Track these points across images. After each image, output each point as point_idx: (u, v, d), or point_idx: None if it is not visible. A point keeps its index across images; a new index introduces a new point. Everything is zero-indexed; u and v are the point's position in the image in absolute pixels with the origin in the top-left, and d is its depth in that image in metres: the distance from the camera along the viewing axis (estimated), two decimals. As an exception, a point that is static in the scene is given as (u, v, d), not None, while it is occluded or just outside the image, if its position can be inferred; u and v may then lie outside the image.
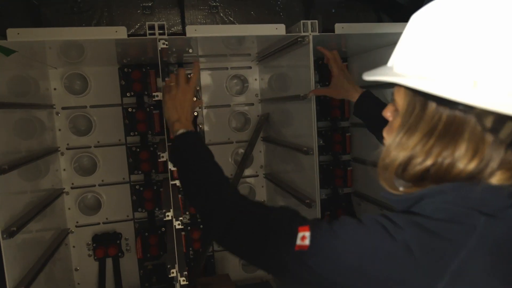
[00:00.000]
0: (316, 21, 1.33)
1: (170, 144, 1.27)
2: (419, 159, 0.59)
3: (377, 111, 0.83)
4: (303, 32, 1.32)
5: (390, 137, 0.65)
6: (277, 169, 1.97)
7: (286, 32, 1.34)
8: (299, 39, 1.34)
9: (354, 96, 1.29)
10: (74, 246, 1.92)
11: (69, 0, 1.74)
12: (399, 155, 0.61)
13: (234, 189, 0.89)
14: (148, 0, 1.85)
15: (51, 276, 1.62)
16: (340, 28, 1.35)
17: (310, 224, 0.64)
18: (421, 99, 0.59)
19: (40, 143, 1.67)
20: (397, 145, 0.62)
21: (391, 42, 1.57)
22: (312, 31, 1.32)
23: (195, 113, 1.93)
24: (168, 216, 1.26)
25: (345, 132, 2.07)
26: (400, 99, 0.64)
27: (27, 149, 1.50)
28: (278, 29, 1.31)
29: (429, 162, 0.59)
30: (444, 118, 0.57)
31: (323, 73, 2.00)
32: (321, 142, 1.38)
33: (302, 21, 1.31)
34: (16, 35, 1.13)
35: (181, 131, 1.03)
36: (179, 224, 1.26)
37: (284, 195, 1.84)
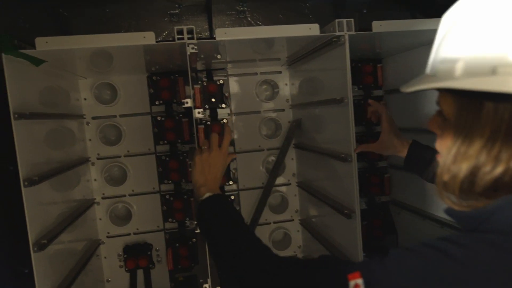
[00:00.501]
0: (352, 19, 1.25)
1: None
2: (487, 168, 0.51)
3: (430, 160, 0.74)
4: (338, 31, 1.24)
5: (444, 150, 0.56)
6: (310, 177, 1.89)
7: (320, 33, 1.27)
8: (334, 39, 1.27)
9: (403, 151, 1.25)
10: (105, 257, 1.90)
11: (98, 10, 1.75)
12: (462, 168, 0.53)
13: (268, 253, 0.82)
14: (175, 7, 1.83)
15: (83, 288, 1.60)
16: (378, 26, 1.27)
17: (359, 270, 0.56)
18: (474, 101, 0.51)
19: (71, 154, 1.66)
20: (455, 157, 0.54)
21: (429, 40, 1.47)
22: (347, 30, 1.24)
23: (225, 120, 1.88)
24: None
25: (381, 137, 1.97)
26: (448, 107, 0.56)
27: (58, 160, 1.50)
28: (311, 29, 1.24)
29: (499, 169, 0.50)
30: (506, 117, 0.49)
31: (356, 75, 1.91)
32: (360, 147, 1.31)
33: (337, 20, 1.23)
34: (44, 44, 1.11)
35: (206, 195, 0.99)
36: (211, 236, 1.20)
37: (318, 204, 1.76)
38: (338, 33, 1.24)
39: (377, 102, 1.40)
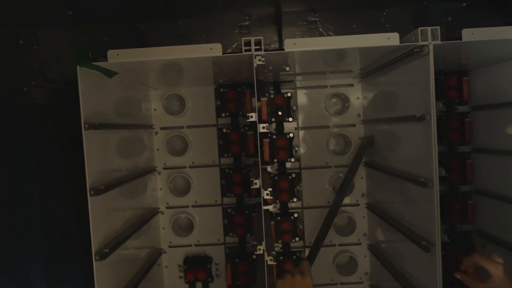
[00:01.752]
0: (438, 27, 1.11)
1: (263, 167, 1.17)
2: None
3: None
4: (422, 41, 1.11)
5: None
6: (382, 199, 1.74)
7: (400, 42, 1.14)
8: (415, 50, 1.14)
9: None
10: (166, 266, 1.91)
11: (171, 24, 1.79)
12: None
13: None
14: (245, 20, 1.81)
15: (143, 296, 1.61)
16: (469, 34, 1.11)
17: None
18: None
19: (139, 162, 1.70)
20: None
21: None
22: (432, 40, 1.11)
23: (291, 135, 1.81)
24: (259, 250, 1.14)
25: (466, 158, 1.75)
26: None
27: (127, 168, 1.53)
28: (390, 39, 1.12)
29: None
30: None
31: (438, 89, 1.73)
32: (443, 172, 1.14)
33: (420, 28, 1.11)
34: (116, 56, 1.13)
35: None
36: (271, 260, 1.13)
37: (390, 230, 1.60)
38: (421, 43, 1.11)
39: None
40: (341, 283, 1.92)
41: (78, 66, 1.13)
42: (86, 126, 1.13)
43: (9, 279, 1.20)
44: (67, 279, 1.44)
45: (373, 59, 1.43)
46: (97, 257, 1.13)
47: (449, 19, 1.76)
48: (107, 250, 1.17)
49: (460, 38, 1.13)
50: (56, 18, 1.56)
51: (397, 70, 1.41)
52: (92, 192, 1.13)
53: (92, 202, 1.14)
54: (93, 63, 1.14)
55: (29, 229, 1.28)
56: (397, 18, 1.77)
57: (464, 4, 1.73)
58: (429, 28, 1.11)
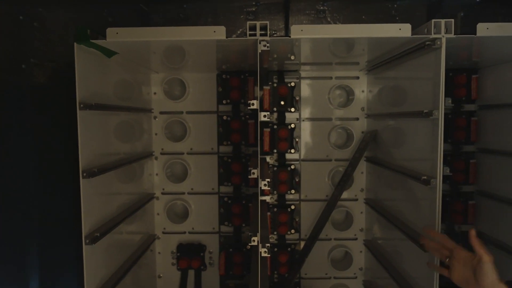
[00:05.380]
0: (452, 20, 1.06)
1: (262, 157, 1.13)
2: None
3: None
4: (434, 33, 1.06)
5: None
6: (381, 195, 1.70)
7: (412, 34, 1.10)
8: (427, 43, 1.09)
9: None
10: (159, 253, 1.89)
11: (176, 6, 1.74)
12: None
13: None
14: (252, 5, 1.76)
15: (135, 280, 1.59)
16: (484, 29, 1.06)
17: None
18: None
19: (137, 146, 1.66)
20: None
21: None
22: (445, 33, 1.06)
23: (293, 125, 1.77)
24: (254, 241, 1.11)
25: (469, 158, 1.72)
26: None
27: (124, 151, 1.50)
28: (402, 30, 1.07)
29: None
30: None
31: (447, 85, 1.69)
32: (448, 171, 1.10)
33: (433, 20, 1.06)
34: (115, 35, 1.09)
35: None
36: (265, 252, 1.10)
37: (388, 227, 1.57)
38: (434, 36, 1.06)
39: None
40: (335, 278, 1.90)
41: (75, 44, 1.09)
42: (81, 106, 1.09)
43: (3, 265, 1.17)
44: (62, 264, 1.42)
45: (382, 51, 1.38)
46: (87, 241, 1.10)
47: (462, 14, 1.71)
48: (98, 234, 1.14)
49: (474, 33, 1.08)
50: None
51: (406, 64, 1.36)
52: (84, 174, 1.10)
53: (84, 185, 1.11)
54: (91, 41, 1.10)
55: (25, 211, 1.25)
56: (408, 11, 1.72)
57: (478, 0, 1.67)
58: (442, 21, 1.07)
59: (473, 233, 0.98)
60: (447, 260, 1.02)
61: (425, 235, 1.14)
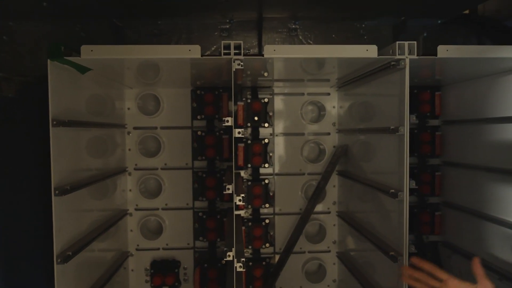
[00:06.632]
0: (415, 42, 1.13)
1: (237, 172, 1.15)
2: None
3: None
4: (399, 54, 1.13)
5: None
6: (353, 208, 1.75)
7: (378, 55, 1.16)
8: (392, 63, 1.16)
9: None
10: (132, 270, 1.86)
11: (151, 23, 1.75)
12: None
13: None
14: (226, 23, 1.80)
15: (107, 300, 1.55)
16: (444, 51, 1.14)
17: None
18: None
19: (110, 162, 1.65)
20: None
21: (499, 69, 1.32)
22: (409, 54, 1.13)
23: (266, 140, 1.80)
24: (229, 256, 1.12)
25: (435, 171, 1.80)
26: None
27: (96, 167, 1.48)
28: (369, 51, 1.14)
29: None
30: None
31: (412, 102, 1.77)
32: (414, 184, 1.16)
33: (397, 42, 1.12)
34: (89, 52, 1.09)
35: None
36: (240, 267, 1.11)
37: (360, 239, 1.61)
38: (398, 57, 1.13)
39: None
40: (310, 291, 1.92)
41: (48, 60, 1.08)
42: (54, 122, 1.08)
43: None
44: (32, 285, 1.37)
45: (351, 69, 1.45)
46: (59, 260, 1.08)
47: (425, 34, 1.81)
48: (70, 253, 1.12)
49: (435, 54, 1.16)
50: (30, 9, 1.49)
51: (373, 82, 1.43)
52: (57, 192, 1.08)
53: (57, 203, 1.09)
54: (65, 57, 1.10)
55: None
56: (375, 30, 1.80)
57: (439, 21, 1.78)
58: (406, 43, 1.14)
59: (476, 261, 0.97)
60: None
61: (405, 273, 1.09)
